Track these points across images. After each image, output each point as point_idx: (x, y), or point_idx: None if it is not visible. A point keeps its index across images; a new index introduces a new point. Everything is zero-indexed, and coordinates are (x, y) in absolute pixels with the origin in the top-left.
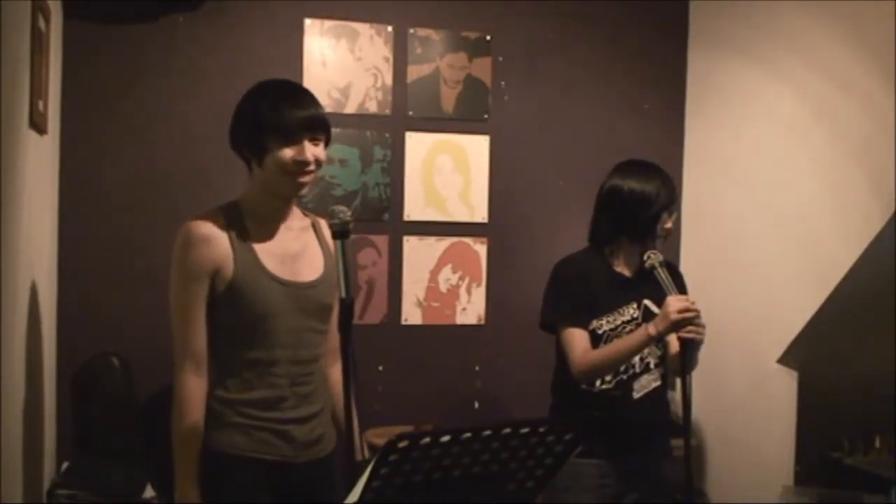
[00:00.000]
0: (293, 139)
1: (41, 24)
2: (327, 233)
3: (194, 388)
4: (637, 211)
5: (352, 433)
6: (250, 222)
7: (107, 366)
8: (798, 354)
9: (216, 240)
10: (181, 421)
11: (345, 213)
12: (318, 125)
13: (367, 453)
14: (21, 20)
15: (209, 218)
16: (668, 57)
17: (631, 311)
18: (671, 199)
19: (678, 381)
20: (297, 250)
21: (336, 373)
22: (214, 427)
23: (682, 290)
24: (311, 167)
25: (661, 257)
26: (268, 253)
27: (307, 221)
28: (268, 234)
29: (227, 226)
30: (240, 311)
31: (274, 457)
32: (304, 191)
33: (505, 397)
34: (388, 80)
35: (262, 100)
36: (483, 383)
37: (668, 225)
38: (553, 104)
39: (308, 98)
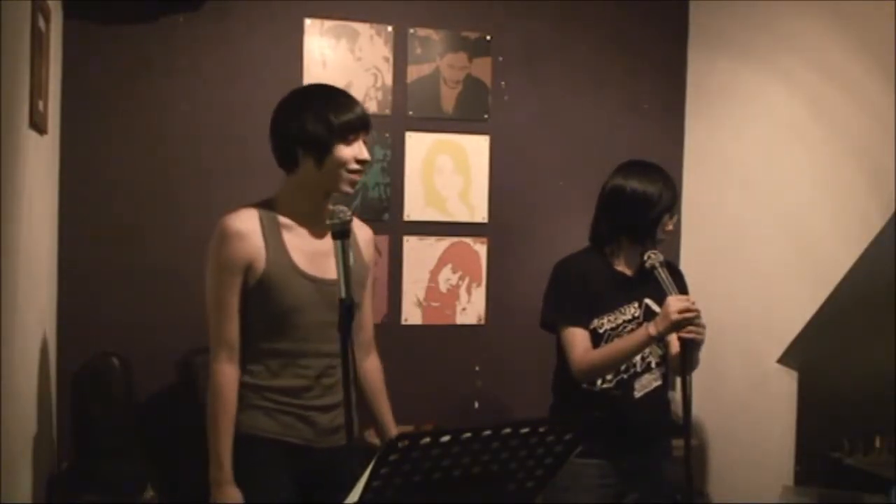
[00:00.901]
0: (352, 138)
1: (41, 24)
2: (357, 232)
3: (228, 376)
4: (639, 212)
5: (351, 426)
6: (284, 219)
7: (107, 366)
8: (798, 354)
9: (249, 235)
10: (215, 406)
11: (344, 213)
12: (369, 124)
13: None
14: (21, 20)
15: (244, 213)
16: (668, 57)
17: (632, 310)
18: (673, 200)
19: (678, 381)
20: (328, 248)
21: (368, 363)
22: (239, 409)
23: (682, 289)
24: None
25: (661, 257)
26: (299, 250)
27: None
28: (300, 231)
29: (261, 222)
30: (269, 305)
31: (296, 440)
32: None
33: (505, 397)
34: (388, 80)
35: (318, 102)
36: (483, 383)
37: (669, 227)
38: (553, 104)
39: (355, 100)
